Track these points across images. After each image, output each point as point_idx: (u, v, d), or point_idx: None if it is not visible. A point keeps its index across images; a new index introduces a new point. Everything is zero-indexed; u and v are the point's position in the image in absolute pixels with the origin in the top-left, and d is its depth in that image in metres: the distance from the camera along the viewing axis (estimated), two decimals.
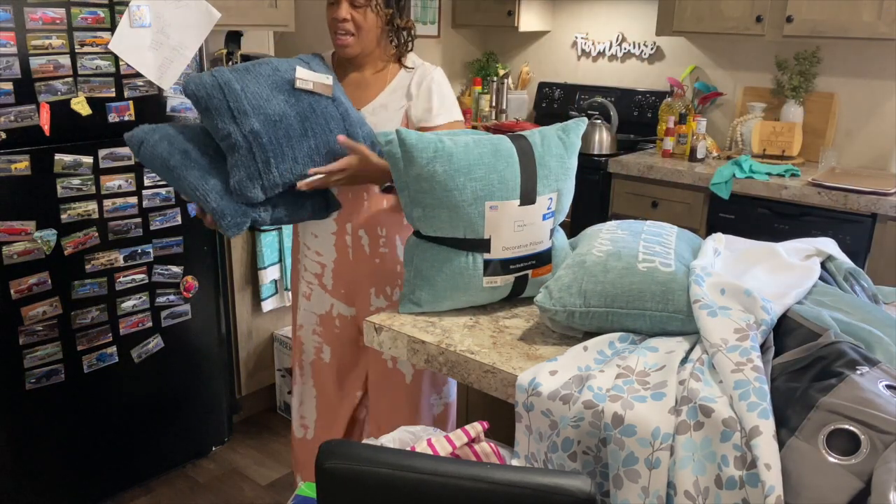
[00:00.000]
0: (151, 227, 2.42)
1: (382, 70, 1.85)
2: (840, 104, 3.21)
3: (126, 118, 2.29)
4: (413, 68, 1.86)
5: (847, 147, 3.22)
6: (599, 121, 3.43)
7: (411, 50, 1.87)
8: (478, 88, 4.04)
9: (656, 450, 1.08)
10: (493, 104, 4.02)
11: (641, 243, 1.45)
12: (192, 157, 1.65)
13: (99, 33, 2.19)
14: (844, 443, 0.98)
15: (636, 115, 3.71)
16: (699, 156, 3.23)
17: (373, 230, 1.88)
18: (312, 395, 2.08)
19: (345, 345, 2.01)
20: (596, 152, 3.38)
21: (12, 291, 2.15)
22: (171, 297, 2.53)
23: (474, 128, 3.55)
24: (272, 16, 2.89)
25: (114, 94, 2.26)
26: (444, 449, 1.24)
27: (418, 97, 1.83)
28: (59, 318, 2.26)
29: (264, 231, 2.79)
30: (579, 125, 1.61)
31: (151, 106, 2.35)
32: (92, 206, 2.27)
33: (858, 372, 1.05)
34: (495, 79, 4.04)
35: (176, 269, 2.52)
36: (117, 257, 2.36)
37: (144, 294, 2.46)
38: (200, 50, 2.40)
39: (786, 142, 3.16)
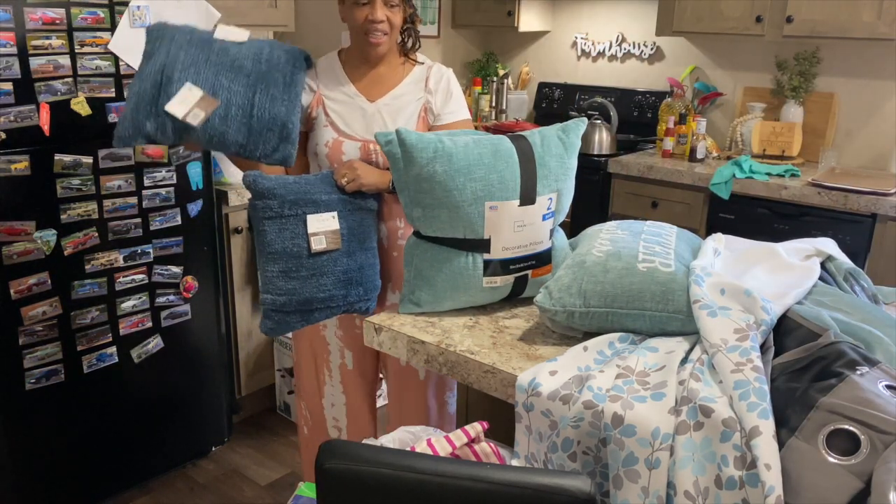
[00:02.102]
0: (151, 228, 2.42)
1: (398, 67, 1.89)
2: (840, 104, 3.21)
3: None
4: (424, 64, 1.92)
5: (847, 147, 3.22)
6: (599, 121, 3.43)
7: (419, 47, 1.90)
8: (478, 88, 4.04)
9: (656, 450, 1.08)
10: (493, 104, 4.02)
11: (641, 243, 1.45)
12: (149, 61, 1.67)
13: (99, 33, 2.19)
14: (844, 443, 0.98)
15: (636, 116, 3.71)
16: (699, 156, 3.23)
17: (392, 223, 1.89)
18: (343, 401, 2.08)
19: (367, 346, 2.00)
20: (596, 152, 3.38)
21: (12, 291, 2.15)
22: (171, 298, 2.53)
23: (474, 128, 3.55)
24: (272, 16, 2.89)
25: (114, 95, 2.26)
26: (444, 449, 1.24)
27: (438, 92, 1.89)
28: (58, 319, 2.26)
29: None
30: (579, 125, 1.61)
31: None
32: (92, 206, 2.27)
33: (858, 372, 1.05)
34: (495, 79, 4.04)
35: (176, 269, 2.52)
36: (117, 257, 2.36)
37: (144, 294, 2.46)
38: None
39: (786, 142, 3.16)
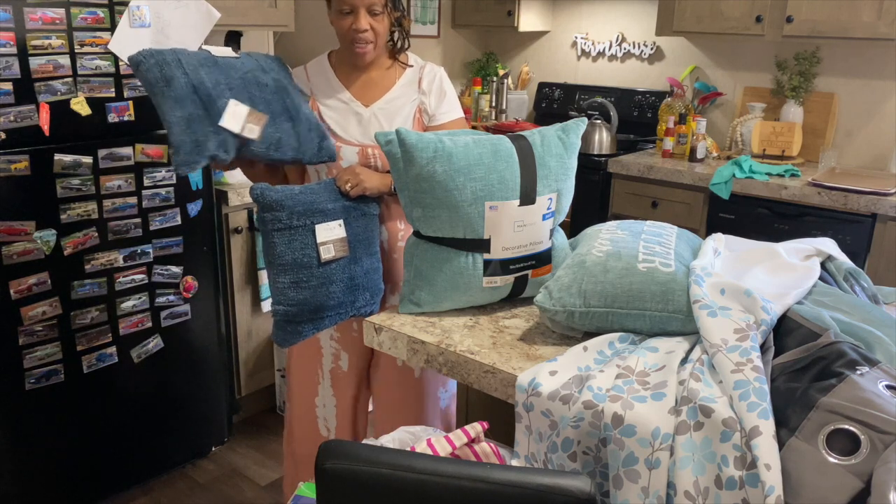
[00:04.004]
0: (151, 228, 2.42)
1: (389, 70, 1.89)
2: (840, 104, 3.21)
3: (126, 118, 2.29)
4: (414, 66, 1.91)
5: (847, 147, 3.22)
6: (599, 121, 3.43)
7: (409, 48, 1.90)
8: (478, 88, 4.04)
9: (656, 450, 1.08)
10: (493, 104, 4.02)
11: (641, 243, 1.45)
12: (173, 86, 1.63)
13: (99, 33, 2.19)
14: (844, 443, 0.98)
15: (636, 115, 3.71)
16: (699, 156, 3.23)
17: (392, 224, 1.90)
18: (333, 403, 2.08)
19: (363, 348, 2.00)
20: (596, 152, 3.38)
21: (12, 291, 2.15)
22: (171, 298, 2.53)
23: (474, 128, 3.55)
24: (272, 16, 2.89)
25: (113, 94, 2.26)
26: (443, 449, 1.24)
27: (431, 93, 1.89)
28: (58, 319, 2.26)
29: None
30: (579, 125, 1.61)
31: (151, 106, 2.34)
32: (91, 206, 2.27)
33: (858, 372, 1.05)
34: (495, 79, 4.04)
35: (176, 269, 2.52)
36: (117, 257, 2.36)
37: (144, 294, 2.46)
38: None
39: (786, 142, 3.16)
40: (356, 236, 1.76)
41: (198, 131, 1.63)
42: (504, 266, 1.52)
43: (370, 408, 2.15)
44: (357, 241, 1.76)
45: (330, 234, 1.73)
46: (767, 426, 1.02)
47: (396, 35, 1.86)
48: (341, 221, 1.74)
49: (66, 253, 2.24)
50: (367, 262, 1.79)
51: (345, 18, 1.76)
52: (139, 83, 2.30)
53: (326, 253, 1.72)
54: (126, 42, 2.22)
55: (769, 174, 2.95)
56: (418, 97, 1.88)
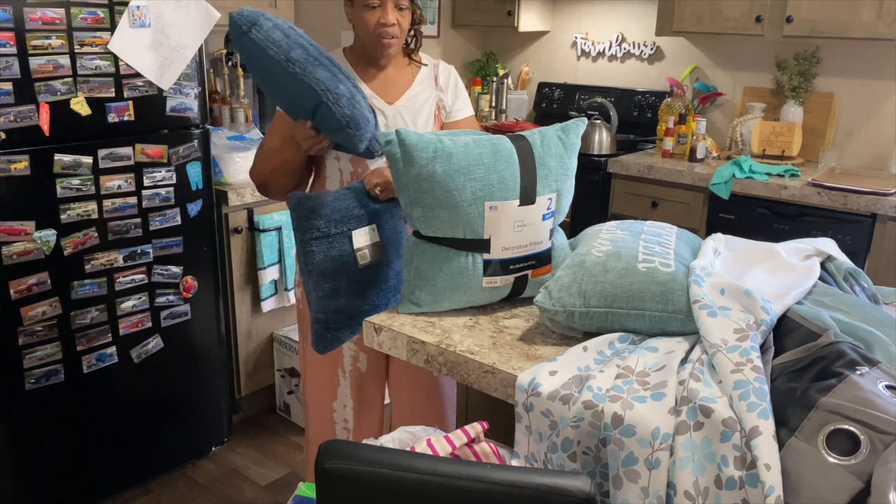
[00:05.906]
0: (151, 228, 2.42)
1: (405, 67, 1.91)
2: (840, 104, 3.21)
3: (126, 118, 2.29)
4: (428, 64, 1.94)
5: (847, 147, 3.22)
6: (599, 121, 3.43)
7: (421, 46, 1.92)
8: (478, 88, 4.04)
9: (656, 450, 1.08)
10: (493, 104, 4.02)
11: (641, 243, 1.45)
12: (312, 55, 1.54)
13: (99, 33, 2.19)
14: (844, 443, 0.98)
15: (636, 116, 3.71)
16: (699, 156, 3.23)
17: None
18: (351, 405, 2.07)
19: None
20: (596, 152, 3.38)
21: (12, 292, 2.15)
22: (171, 298, 2.53)
23: None
24: None
25: (113, 95, 2.26)
26: (443, 449, 1.24)
27: (448, 90, 1.92)
28: (58, 319, 2.26)
29: (264, 231, 2.79)
30: (579, 125, 1.61)
31: (151, 106, 2.35)
32: (91, 206, 2.27)
33: (858, 372, 1.05)
34: (495, 79, 4.04)
35: (175, 269, 2.52)
36: (117, 257, 2.36)
37: (144, 294, 2.46)
38: (200, 50, 2.40)
39: (786, 142, 3.16)
40: (387, 239, 1.75)
41: (364, 106, 1.59)
42: (504, 266, 1.52)
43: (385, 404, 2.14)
44: (388, 243, 1.75)
45: (365, 239, 1.71)
46: (767, 426, 1.02)
47: (412, 34, 1.88)
48: (374, 226, 1.72)
49: (66, 253, 2.24)
50: (398, 263, 1.78)
51: (371, 13, 1.76)
52: (139, 83, 2.30)
53: (363, 259, 1.70)
54: (126, 42, 2.23)
55: (769, 174, 2.95)
56: (436, 94, 1.90)
